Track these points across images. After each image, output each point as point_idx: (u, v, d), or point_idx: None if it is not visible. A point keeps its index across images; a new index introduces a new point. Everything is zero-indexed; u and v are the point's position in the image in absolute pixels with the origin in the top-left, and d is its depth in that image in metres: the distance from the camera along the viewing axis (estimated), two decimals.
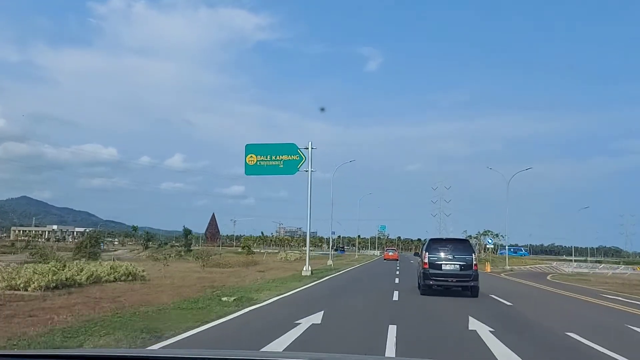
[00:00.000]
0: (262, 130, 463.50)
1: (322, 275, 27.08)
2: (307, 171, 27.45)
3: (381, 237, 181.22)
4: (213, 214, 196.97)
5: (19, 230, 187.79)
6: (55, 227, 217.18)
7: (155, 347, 7.28)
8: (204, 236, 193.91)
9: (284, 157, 27.19)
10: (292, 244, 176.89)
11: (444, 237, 28.78)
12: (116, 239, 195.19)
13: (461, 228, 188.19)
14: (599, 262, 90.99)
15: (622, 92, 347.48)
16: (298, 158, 27.25)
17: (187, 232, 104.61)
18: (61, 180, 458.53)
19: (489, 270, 40.62)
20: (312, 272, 27.05)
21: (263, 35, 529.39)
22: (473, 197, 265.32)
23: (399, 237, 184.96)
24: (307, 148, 27.37)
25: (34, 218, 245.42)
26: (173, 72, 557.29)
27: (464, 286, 16.79)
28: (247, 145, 27.76)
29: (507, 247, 50.96)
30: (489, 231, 69.55)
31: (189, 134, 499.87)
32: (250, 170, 27.69)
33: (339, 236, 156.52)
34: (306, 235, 30.88)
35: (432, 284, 16.53)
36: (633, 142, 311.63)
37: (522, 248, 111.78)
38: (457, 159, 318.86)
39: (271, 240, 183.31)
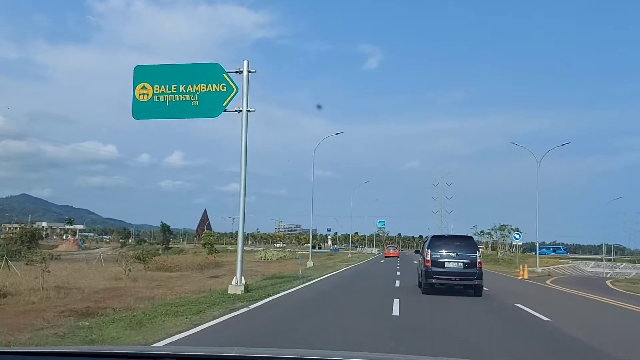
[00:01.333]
0: (260, 127, 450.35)
1: (267, 292, 15.10)
2: (239, 111, 15.58)
3: (380, 235, 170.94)
4: (205, 210, 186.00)
5: (8, 228, 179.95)
6: (44, 224, 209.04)
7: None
8: (196, 233, 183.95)
9: (201, 88, 15.31)
10: (286, 241, 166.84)
11: (447, 233, 23.70)
12: (105, 237, 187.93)
13: (462, 225, 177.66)
14: (610, 261, 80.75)
15: (622, 89, 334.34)
16: (225, 89, 15.39)
17: (165, 228, 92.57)
18: (61, 178, 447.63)
19: (525, 277, 28.55)
20: (246, 288, 15.10)
21: (262, 33, 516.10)
22: (475, 194, 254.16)
23: (399, 234, 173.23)
24: (240, 71, 15.49)
25: (29, 215, 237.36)
26: None
27: (467, 285, 15.77)
28: (136, 68, 15.86)
29: (537, 244, 38.99)
30: (505, 225, 57.49)
31: (188, 132, 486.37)
32: (141, 111, 15.77)
33: (336, 233, 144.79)
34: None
35: (435, 283, 15.63)
36: (633, 140, 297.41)
37: (561, 246, 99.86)
38: (457, 157, 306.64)
39: (262, 237, 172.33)
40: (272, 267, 39.73)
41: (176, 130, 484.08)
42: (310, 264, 35.66)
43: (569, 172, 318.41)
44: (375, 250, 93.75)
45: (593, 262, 76.43)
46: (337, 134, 36.28)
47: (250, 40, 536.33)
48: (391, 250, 64.95)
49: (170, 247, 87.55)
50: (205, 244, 44.32)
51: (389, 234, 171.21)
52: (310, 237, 38.82)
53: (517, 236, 37.19)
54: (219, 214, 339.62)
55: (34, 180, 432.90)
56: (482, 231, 66.56)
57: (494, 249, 68.33)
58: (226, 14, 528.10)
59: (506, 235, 58.03)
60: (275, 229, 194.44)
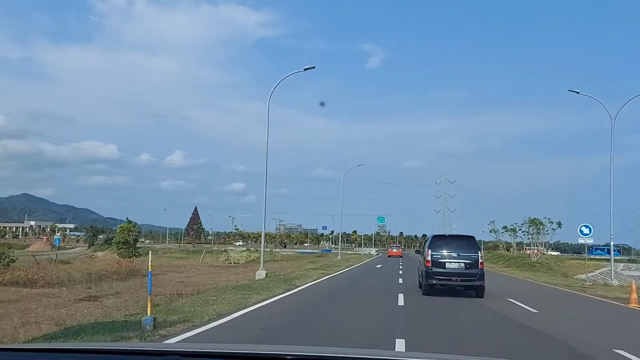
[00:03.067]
0: (262, 127, 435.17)
1: None
2: None
3: (381, 234, 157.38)
4: (195, 207, 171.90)
5: None
6: (32, 223, 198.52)
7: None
8: (185, 232, 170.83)
9: None
10: (282, 241, 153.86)
11: (447, 233, 20.23)
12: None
13: (465, 224, 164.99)
14: (635, 262, 67.98)
15: (623, 89, 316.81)
16: None
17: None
18: (62, 178, 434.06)
19: None
20: None
21: (264, 32, 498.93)
22: (479, 193, 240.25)
23: (401, 233, 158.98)
24: None
25: (26, 215, 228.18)
26: (173, 68, 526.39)
27: (469, 286, 15.11)
28: None
29: (612, 244, 24.94)
30: (538, 219, 42.97)
31: (189, 131, 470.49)
32: None
33: (332, 232, 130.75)
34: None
35: (435, 284, 14.95)
36: (635, 139, 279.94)
37: (616, 247, 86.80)
38: (458, 156, 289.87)
39: (250, 235, 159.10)
40: (222, 276, 26.60)
41: (175, 127, 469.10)
42: (261, 274, 21.79)
43: (570, 171, 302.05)
44: (373, 251, 79.04)
45: (622, 265, 64.52)
46: (305, 69, 22.49)
47: (251, 39, 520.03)
48: (394, 250, 66.69)
49: (138, 247, 74.21)
50: (118, 242, 30.56)
51: (390, 233, 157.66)
52: (263, 234, 24.58)
53: (587, 230, 23.11)
54: (220, 213, 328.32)
55: (35, 179, 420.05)
56: (505, 227, 52.07)
57: (508, 249, 54.07)
58: (227, 14, 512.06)
59: (537, 232, 43.74)
60: (276, 229, 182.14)
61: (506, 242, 60.80)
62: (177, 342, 6.81)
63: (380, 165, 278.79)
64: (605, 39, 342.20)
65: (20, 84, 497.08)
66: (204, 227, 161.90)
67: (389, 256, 63.20)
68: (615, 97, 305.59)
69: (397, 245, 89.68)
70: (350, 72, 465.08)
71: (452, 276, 14.83)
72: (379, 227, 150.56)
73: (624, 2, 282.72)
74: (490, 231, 58.35)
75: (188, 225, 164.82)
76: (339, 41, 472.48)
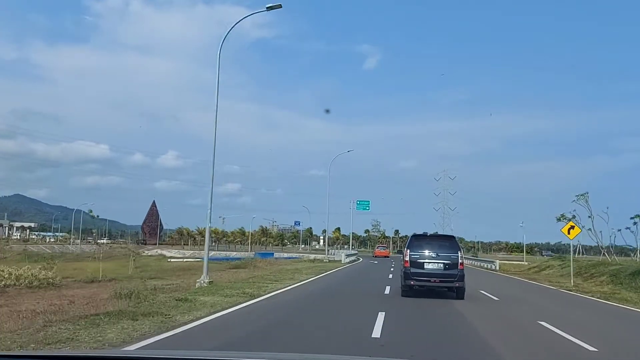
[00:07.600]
0: (259, 128, 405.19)
1: None
2: None
3: (373, 233, 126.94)
4: (153, 201, 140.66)
5: None
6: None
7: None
8: (141, 230, 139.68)
9: None
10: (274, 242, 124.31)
11: (428, 233, 18.07)
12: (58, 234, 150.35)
13: (467, 225, 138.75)
14: None
15: (624, 90, 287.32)
16: None
17: None
18: (55, 178, 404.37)
19: None
20: None
21: (261, 33, 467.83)
22: (480, 195, 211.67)
23: (397, 232, 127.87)
24: None
25: (5, 214, 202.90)
26: (169, 69, 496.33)
27: (448, 287, 14.40)
28: None
29: None
30: None
31: (185, 132, 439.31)
32: None
33: (309, 228, 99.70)
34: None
35: (413, 285, 14.14)
36: (634, 140, 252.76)
37: None
38: (457, 157, 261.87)
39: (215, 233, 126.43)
40: None
41: (169, 127, 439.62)
42: None
43: (570, 174, 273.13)
44: (343, 255, 44.86)
45: None
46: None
47: (248, 39, 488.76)
48: (381, 250, 61.28)
49: None
50: None
51: (385, 233, 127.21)
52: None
53: None
54: (213, 213, 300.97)
55: (28, 180, 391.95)
56: None
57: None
58: (224, 14, 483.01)
59: None
60: (270, 230, 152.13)
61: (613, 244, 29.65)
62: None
63: (380, 166, 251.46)
64: (606, 40, 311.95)
65: (14, 84, 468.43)
66: (217, 227, 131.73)
67: (375, 256, 57.41)
68: (618, 98, 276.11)
69: (384, 245, 77.91)
70: (347, 74, 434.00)
71: (430, 277, 14.03)
72: (372, 226, 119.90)
73: (624, 2, 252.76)
74: (572, 218, 27.33)
75: (144, 222, 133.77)
76: (335, 42, 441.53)
